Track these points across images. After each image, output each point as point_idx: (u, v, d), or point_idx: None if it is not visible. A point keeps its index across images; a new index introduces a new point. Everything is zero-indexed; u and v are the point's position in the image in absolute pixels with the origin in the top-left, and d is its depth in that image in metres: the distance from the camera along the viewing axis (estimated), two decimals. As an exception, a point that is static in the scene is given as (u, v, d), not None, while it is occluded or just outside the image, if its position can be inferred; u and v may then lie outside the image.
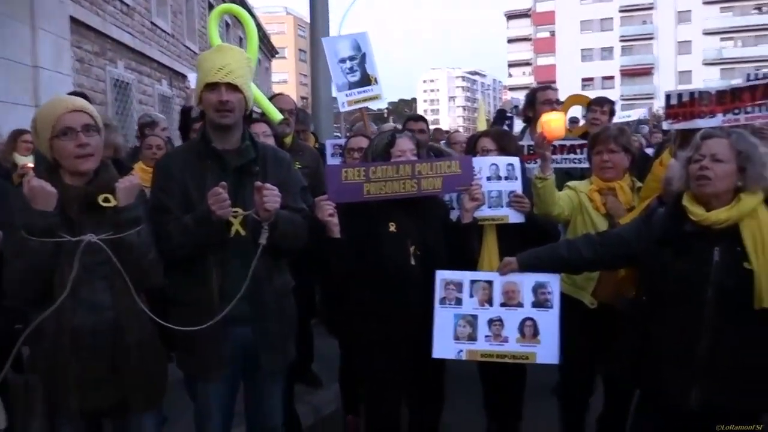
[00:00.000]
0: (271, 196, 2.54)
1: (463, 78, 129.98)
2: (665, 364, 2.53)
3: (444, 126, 57.85)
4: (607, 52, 63.63)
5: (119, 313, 2.45)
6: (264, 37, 35.89)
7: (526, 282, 2.88)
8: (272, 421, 2.93)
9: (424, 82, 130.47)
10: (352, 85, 4.60)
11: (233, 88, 2.63)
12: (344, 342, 4.23)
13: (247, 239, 2.65)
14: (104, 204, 2.42)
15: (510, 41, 75.76)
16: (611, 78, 62.23)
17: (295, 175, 2.96)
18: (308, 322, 4.98)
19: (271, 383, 2.87)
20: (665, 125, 3.59)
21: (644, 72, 62.02)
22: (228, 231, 2.63)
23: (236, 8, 4.31)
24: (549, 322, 2.86)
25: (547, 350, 2.85)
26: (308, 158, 4.49)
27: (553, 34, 66.05)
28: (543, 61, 66.45)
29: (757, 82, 3.24)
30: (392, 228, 3.03)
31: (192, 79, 5.73)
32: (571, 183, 3.49)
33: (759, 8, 59.72)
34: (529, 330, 2.86)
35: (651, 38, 62.38)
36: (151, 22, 14.85)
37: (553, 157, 3.70)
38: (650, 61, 61.94)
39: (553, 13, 65.47)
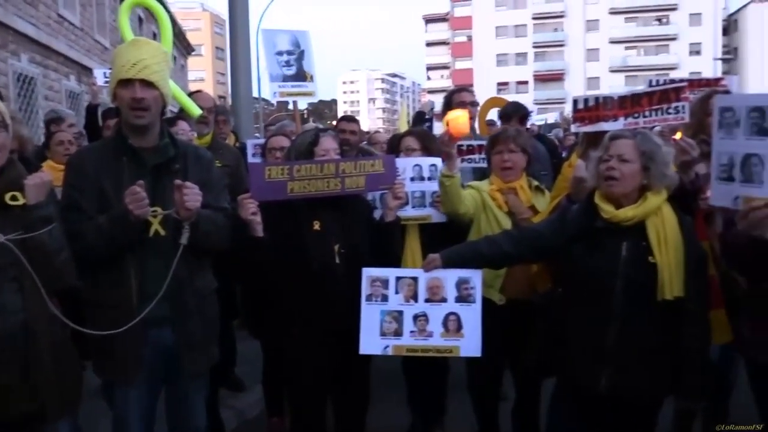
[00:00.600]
0: (192, 195, 2.49)
1: (383, 80, 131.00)
2: (578, 352, 2.67)
3: (364, 128, 57.89)
4: (521, 58, 65.82)
5: (30, 316, 2.32)
6: (180, 34, 34.86)
7: (449, 278, 2.94)
8: (195, 425, 2.86)
9: (344, 83, 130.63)
10: (286, 78, 4.58)
11: (148, 84, 2.54)
12: (268, 343, 4.19)
13: (167, 239, 2.57)
14: (11, 203, 2.29)
15: (428, 45, 77.04)
16: (525, 83, 64.46)
17: (217, 173, 2.89)
18: (230, 324, 4.90)
19: (194, 386, 2.80)
20: (573, 128, 3.75)
21: (556, 77, 64.60)
22: (147, 231, 2.55)
23: (148, 0, 4.16)
24: (472, 316, 2.92)
25: (470, 344, 2.92)
26: (228, 157, 4.41)
27: (470, 38, 67.66)
28: (460, 64, 67.93)
29: (654, 89, 3.46)
30: (316, 227, 3.03)
31: (98, 74, 5.51)
32: (472, 183, 3.59)
33: (659, 20, 63.49)
34: (452, 324, 2.93)
35: (562, 45, 65.08)
36: (58, 14, 14.11)
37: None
38: (561, 66, 64.58)
39: (470, 18, 67.09)
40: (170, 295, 2.53)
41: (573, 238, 2.70)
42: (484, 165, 4.06)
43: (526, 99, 35.88)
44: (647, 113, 3.40)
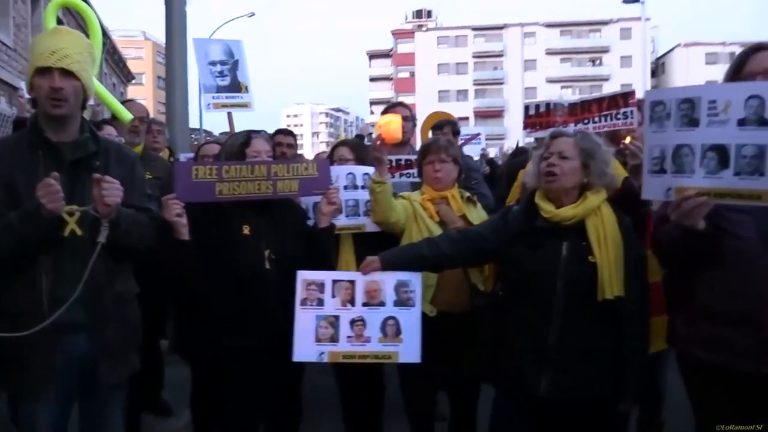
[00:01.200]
0: (112, 190, 2.32)
1: (327, 114, 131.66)
2: (519, 354, 2.61)
3: (307, 160, 57.77)
4: (462, 95, 67.42)
5: None
6: (120, 61, 34.24)
7: (388, 281, 2.85)
8: None
9: (288, 116, 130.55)
10: (220, 89, 4.45)
11: (68, 74, 2.39)
12: (197, 362, 4.00)
13: (84, 239, 2.39)
14: None
15: (372, 80, 78.03)
16: (466, 118, 65.76)
17: (141, 175, 2.74)
18: (157, 344, 4.68)
19: (111, 400, 2.59)
20: (524, 134, 3.80)
21: (496, 114, 66.35)
22: (62, 230, 2.37)
23: (75, 1, 3.99)
24: (411, 320, 2.83)
25: (409, 349, 2.82)
26: (160, 169, 4.25)
27: (412, 74, 68.97)
28: (403, 100, 68.89)
29: (603, 95, 3.54)
30: (246, 231, 2.90)
31: (24, 87, 5.26)
32: (404, 193, 3.53)
33: (593, 61, 66.43)
34: (391, 329, 2.83)
35: (501, 83, 67.09)
36: (-10, 35, 13.64)
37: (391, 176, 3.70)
38: (501, 104, 66.45)
39: (413, 54, 68.50)
40: (86, 299, 2.34)
41: (514, 239, 2.67)
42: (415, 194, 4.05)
43: (467, 133, 36.58)
44: (596, 119, 3.47)
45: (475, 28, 68.67)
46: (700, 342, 2.37)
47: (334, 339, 2.81)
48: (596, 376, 2.55)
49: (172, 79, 5.47)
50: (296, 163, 3.03)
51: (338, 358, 2.83)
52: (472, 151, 8.40)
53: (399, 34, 71.24)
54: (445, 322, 3.13)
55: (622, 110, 3.42)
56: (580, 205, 2.60)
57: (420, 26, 72.16)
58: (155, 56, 60.83)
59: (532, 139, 3.69)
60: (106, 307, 2.48)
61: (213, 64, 4.46)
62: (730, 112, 2.12)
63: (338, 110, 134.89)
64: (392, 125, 3.15)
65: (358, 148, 3.88)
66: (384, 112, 4.81)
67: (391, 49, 73.07)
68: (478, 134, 9.19)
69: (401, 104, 4.91)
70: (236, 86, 4.52)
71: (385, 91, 74.55)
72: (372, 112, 78.56)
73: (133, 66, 41.36)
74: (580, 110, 3.52)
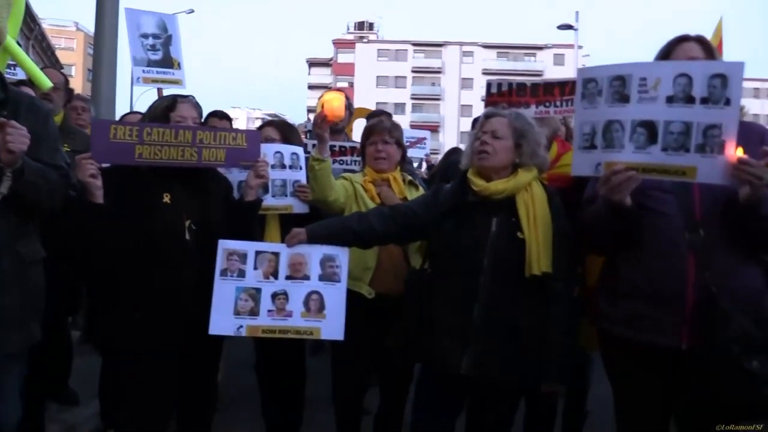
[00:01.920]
0: (18, 136, 2.14)
1: (263, 119, 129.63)
2: (443, 331, 2.57)
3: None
4: (399, 108, 67.93)
5: None
6: (48, 49, 32.77)
7: (314, 254, 2.74)
8: (5, 418, 2.43)
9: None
10: (151, 63, 4.23)
11: None
12: (106, 345, 3.78)
13: None
14: None
15: (311, 87, 77.65)
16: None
17: (54, 131, 2.55)
18: (66, 328, 4.41)
19: (6, 371, 2.38)
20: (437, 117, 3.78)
21: (432, 128, 66.89)
22: None
23: None
24: (336, 296, 2.73)
25: (332, 325, 2.72)
26: (80, 143, 4.00)
27: (351, 85, 69.08)
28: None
29: (567, 79, 3.54)
30: (166, 199, 2.74)
31: None
32: (345, 174, 3.47)
33: (527, 83, 68.48)
34: (314, 304, 2.72)
35: (439, 99, 68.18)
36: None
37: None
38: (437, 119, 67.42)
39: (353, 65, 68.74)
40: None
41: (444, 215, 2.64)
42: (357, 168, 3.98)
43: (403, 145, 36.83)
44: (558, 103, 3.47)
45: (415, 44, 69.65)
46: (622, 319, 2.38)
47: (254, 312, 2.68)
48: (520, 356, 2.53)
49: (99, 56, 5.18)
50: (224, 132, 2.88)
51: (257, 333, 2.70)
52: (416, 154, 8.42)
53: (340, 44, 71.37)
54: (384, 304, 3.06)
55: None
56: (510, 180, 2.60)
57: (361, 38, 72.54)
58: (86, 48, 58.67)
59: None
60: (5, 268, 2.29)
61: (145, 36, 4.25)
62: (660, 89, 2.16)
63: (275, 116, 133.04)
64: (335, 102, 3.09)
65: (286, 128, 3.79)
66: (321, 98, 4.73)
67: (331, 59, 73.07)
68: (424, 138, 9.18)
69: (340, 90, 4.83)
70: (168, 62, 4.32)
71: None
72: (309, 119, 78.18)
73: (63, 56, 39.76)
74: (543, 92, 3.52)
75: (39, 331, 2.47)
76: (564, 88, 3.49)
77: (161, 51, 4.29)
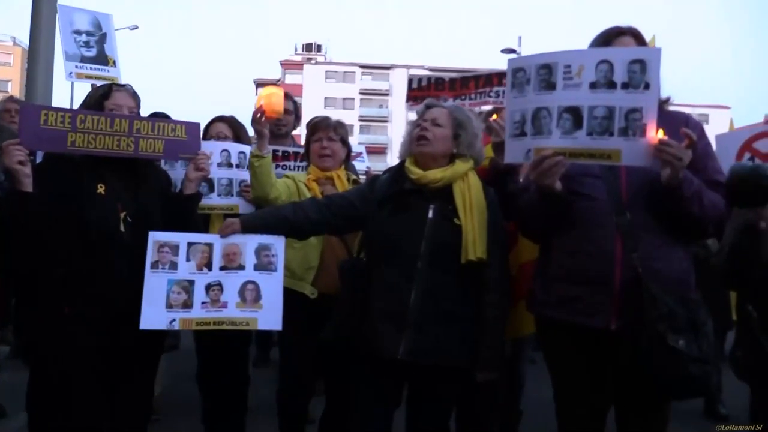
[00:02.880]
0: None
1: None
2: (380, 317, 2.56)
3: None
4: (348, 129, 68.42)
5: None
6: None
7: (249, 244, 2.68)
8: None
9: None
10: (85, 59, 4.12)
11: None
12: (34, 350, 3.59)
13: None
14: None
15: (258, 108, 77.33)
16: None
17: None
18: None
19: None
20: (406, 107, 3.88)
21: (379, 150, 67.62)
22: None
23: None
24: (272, 285, 2.68)
25: (269, 315, 2.66)
26: (7, 139, 3.85)
27: (299, 106, 69.13)
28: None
29: (480, 73, 3.67)
30: (100, 190, 2.65)
31: None
32: (288, 172, 3.45)
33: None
34: (250, 294, 2.66)
35: (386, 121, 68.75)
36: None
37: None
38: (385, 141, 67.86)
39: (301, 86, 68.75)
40: None
41: (380, 204, 2.64)
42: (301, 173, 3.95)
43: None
44: (473, 96, 3.58)
45: (363, 66, 70.26)
46: (554, 303, 2.43)
47: (187, 305, 2.60)
48: (456, 341, 2.54)
49: (35, 53, 5.00)
50: (163, 122, 2.81)
51: (191, 325, 2.62)
52: (359, 167, 8.47)
53: (288, 65, 71.39)
54: (328, 304, 3.00)
55: (495, 89, 3.56)
56: (448, 169, 2.63)
57: (309, 59, 72.77)
58: (23, 63, 56.97)
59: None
60: None
61: (78, 33, 4.15)
62: (583, 75, 2.23)
63: (256, 101, 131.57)
64: (273, 97, 3.05)
65: (236, 125, 3.73)
66: None
67: (279, 80, 72.91)
68: (360, 153, 9.34)
69: (285, 95, 4.79)
70: (103, 59, 4.23)
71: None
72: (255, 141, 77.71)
73: None
74: (460, 86, 3.64)
75: None
76: (478, 81, 3.64)
77: (95, 48, 4.21)
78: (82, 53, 4.10)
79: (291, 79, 70.45)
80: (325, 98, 68.44)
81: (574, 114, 2.24)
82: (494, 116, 3.02)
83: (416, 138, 2.65)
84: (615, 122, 2.19)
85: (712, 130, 2.91)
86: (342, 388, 3.28)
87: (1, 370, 4.38)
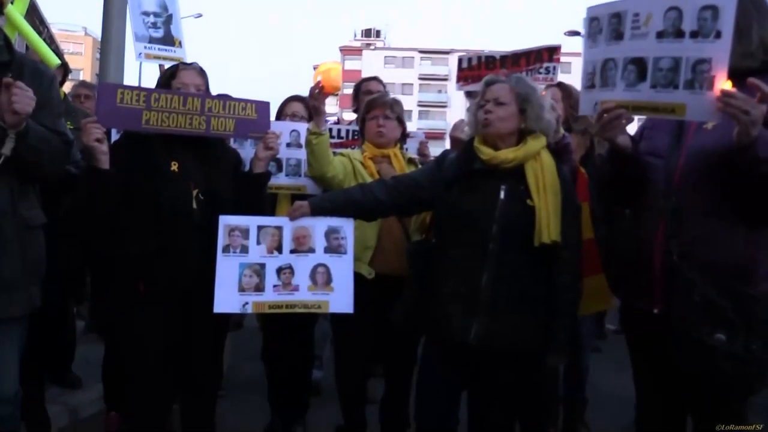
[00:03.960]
0: (23, 97, 2.10)
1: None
2: (449, 300, 2.51)
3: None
4: (406, 115, 67.86)
5: None
6: (57, 53, 32.90)
7: (318, 227, 2.68)
8: (4, 387, 2.32)
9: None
10: (153, 40, 4.20)
11: None
12: (110, 326, 3.72)
13: None
14: None
15: (318, 94, 77.99)
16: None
17: (58, 96, 2.51)
18: (70, 311, 4.37)
19: (7, 335, 2.31)
20: (456, 87, 3.75)
21: (438, 136, 67.12)
22: None
23: None
24: (343, 268, 2.68)
25: (340, 298, 2.66)
26: (81, 120, 3.97)
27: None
28: (348, 116, 68.44)
29: (531, 49, 3.53)
30: (174, 168, 2.70)
31: None
32: (343, 150, 3.41)
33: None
34: (321, 277, 2.66)
35: (445, 106, 68.17)
36: None
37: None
38: (443, 126, 67.32)
39: (360, 72, 68.80)
40: None
41: (450, 184, 2.58)
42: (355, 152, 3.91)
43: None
44: (525, 73, 3.45)
45: (422, 51, 69.77)
46: (614, 284, 2.41)
47: (259, 288, 2.62)
48: (528, 325, 2.48)
49: (107, 40, 5.12)
50: (234, 101, 2.83)
51: (264, 309, 2.64)
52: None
53: (347, 51, 71.57)
54: (385, 284, 2.99)
55: (545, 65, 3.43)
56: (521, 149, 2.54)
57: (368, 45, 72.77)
58: (95, 53, 59.06)
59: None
60: (5, 231, 2.24)
61: (146, 14, 4.21)
62: (651, 24, 2.10)
63: (314, 76, 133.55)
64: (332, 72, 3.02)
65: None
66: (357, 85, 4.61)
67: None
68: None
69: (375, 78, 4.74)
70: (170, 40, 4.28)
71: (330, 106, 74.11)
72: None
73: (71, 61, 39.89)
74: (510, 64, 3.51)
75: (39, 297, 2.41)
76: (530, 57, 3.50)
77: (162, 29, 4.25)
78: (150, 34, 4.16)
79: (350, 65, 70.63)
80: (385, 84, 68.50)
81: (639, 65, 2.12)
82: (542, 92, 2.91)
83: (482, 122, 2.56)
84: (681, 74, 2.05)
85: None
86: (402, 370, 3.26)
87: (77, 343, 4.52)
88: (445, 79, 68.31)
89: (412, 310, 2.68)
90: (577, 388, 3.67)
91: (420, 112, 68.21)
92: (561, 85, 3.85)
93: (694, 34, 2.02)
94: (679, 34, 2.05)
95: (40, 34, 3.68)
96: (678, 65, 2.05)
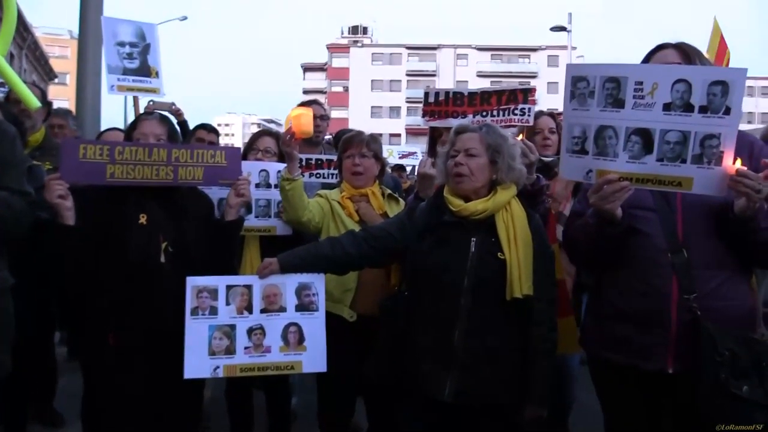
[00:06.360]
0: None
1: (259, 125, 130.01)
2: (423, 355, 2.47)
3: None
4: (394, 111, 68.05)
5: None
6: (42, 58, 32.66)
7: (288, 284, 2.63)
8: None
9: (219, 125, 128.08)
10: (127, 71, 4.14)
11: None
12: (87, 367, 3.67)
13: None
14: None
15: (306, 92, 77.53)
16: (398, 135, 66.49)
17: (21, 154, 2.48)
18: (50, 347, 4.31)
19: None
20: (422, 122, 3.64)
21: (426, 132, 67.15)
22: None
23: None
24: (314, 326, 2.63)
25: (313, 357, 2.62)
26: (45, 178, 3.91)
27: (346, 89, 69.12)
28: (336, 113, 68.86)
29: (504, 88, 3.44)
30: (142, 220, 2.65)
31: None
32: (320, 191, 3.36)
33: (521, 84, 68.55)
34: (293, 336, 2.61)
35: (433, 102, 68.10)
36: None
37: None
38: (432, 122, 67.43)
39: (347, 69, 68.72)
40: None
41: (420, 235, 2.54)
42: (334, 181, 3.87)
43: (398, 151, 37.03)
44: (495, 112, 3.37)
45: (409, 47, 69.61)
46: (608, 343, 2.31)
47: (230, 351, 2.57)
48: (504, 379, 2.44)
49: (83, 75, 5.06)
50: (201, 149, 2.79)
51: (235, 372, 2.58)
52: (410, 162, 8.87)
53: (334, 49, 71.37)
54: (367, 327, 2.94)
55: (521, 106, 3.34)
56: (490, 200, 2.50)
57: (355, 42, 72.56)
58: (80, 56, 58.40)
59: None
60: None
61: (122, 45, 4.16)
62: (657, 95, 2.05)
63: (270, 121, 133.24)
64: (303, 118, 2.96)
65: None
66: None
67: (326, 63, 73.07)
68: (415, 152, 9.72)
69: (315, 101, 4.72)
70: (146, 70, 4.23)
71: (318, 104, 74.24)
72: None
73: (56, 65, 39.68)
74: (480, 101, 3.42)
75: (9, 362, 2.37)
76: (501, 97, 3.40)
77: (138, 59, 4.20)
78: (125, 65, 4.11)
79: (338, 62, 70.50)
80: (372, 81, 68.28)
81: (644, 137, 2.07)
82: (520, 137, 2.86)
83: (453, 175, 2.52)
84: (689, 148, 2.03)
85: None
86: (383, 408, 3.22)
87: (60, 374, 4.46)
88: (433, 75, 68.22)
89: (383, 367, 2.64)
90: (559, 418, 3.65)
91: (408, 109, 68.13)
92: (554, 116, 3.80)
93: (703, 109, 2.00)
94: (688, 107, 2.01)
95: (24, 40, 3.63)
96: (686, 139, 2.03)
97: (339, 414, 3.23)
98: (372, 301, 2.98)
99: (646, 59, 2.36)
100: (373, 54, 69.85)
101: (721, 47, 5.15)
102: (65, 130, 4.74)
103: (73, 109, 5.80)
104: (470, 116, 3.38)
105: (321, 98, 73.83)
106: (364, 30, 76.04)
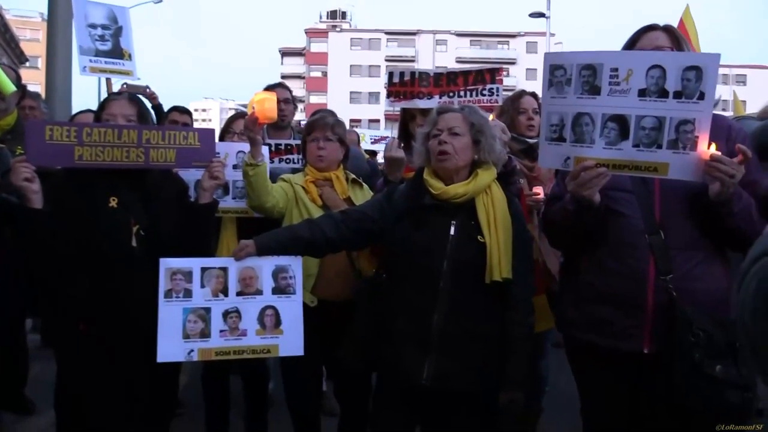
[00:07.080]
0: None
1: (236, 110, 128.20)
2: (401, 339, 2.45)
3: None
4: (373, 97, 67.70)
5: None
6: (12, 41, 31.96)
7: (265, 266, 2.58)
8: None
9: (196, 110, 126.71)
10: (99, 53, 4.04)
11: None
12: (59, 354, 3.61)
13: None
14: None
15: (284, 77, 76.82)
16: (377, 121, 66.20)
17: None
18: (21, 335, 4.24)
19: None
20: (386, 103, 3.57)
21: (405, 117, 67.25)
22: None
23: None
24: (292, 309, 2.59)
25: (290, 341, 2.58)
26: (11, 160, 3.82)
27: (325, 74, 68.68)
28: (315, 99, 68.49)
29: (470, 68, 3.39)
30: (113, 203, 2.58)
31: None
32: (284, 175, 3.30)
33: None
34: (270, 320, 2.57)
35: (413, 87, 67.97)
36: None
37: (271, 161, 3.43)
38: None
39: (326, 54, 68.24)
40: None
41: (399, 218, 2.50)
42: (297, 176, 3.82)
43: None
44: (462, 93, 3.31)
45: (388, 33, 69.31)
46: (584, 324, 2.31)
47: (204, 334, 2.50)
48: (482, 363, 2.43)
49: (53, 59, 4.94)
50: (174, 130, 2.71)
51: (210, 356, 2.53)
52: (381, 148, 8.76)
53: (312, 34, 70.76)
54: (328, 312, 2.92)
55: (488, 86, 3.29)
56: (471, 183, 2.48)
57: (334, 27, 71.99)
58: (52, 39, 57.27)
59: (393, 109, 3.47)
60: None
61: (93, 27, 4.06)
62: (632, 81, 2.06)
63: (248, 106, 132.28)
64: (266, 103, 2.89)
65: None
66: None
67: (304, 48, 72.44)
68: (387, 136, 9.57)
69: (281, 85, 4.63)
70: (118, 53, 4.15)
71: (297, 89, 73.65)
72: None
73: (27, 48, 38.88)
74: (446, 82, 3.36)
75: None
76: (468, 77, 3.34)
77: (110, 42, 4.11)
78: (97, 47, 4.02)
79: (316, 47, 69.94)
80: (351, 66, 67.88)
81: (620, 123, 2.09)
82: (491, 116, 2.83)
83: (436, 152, 2.48)
84: (664, 134, 2.04)
85: (751, 91, 2.72)
86: (354, 395, 3.20)
87: (33, 361, 4.39)
88: (413, 60, 67.97)
89: (361, 351, 2.61)
90: (532, 396, 3.66)
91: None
92: (536, 96, 3.77)
93: (677, 95, 2.02)
94: (663, 93, 2.03)
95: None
96: (661, 125, 2.05)
97: (306, 399, 3.19)
98: (334, 286, 2.98)
99: (633, 40, 2.35)
100: (351, 39, 69.43)
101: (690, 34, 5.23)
102: (36, 112, 4.63)
103: (43, 93, 5.68)
104: (436, 97, 3.32)
105: (299, 83, 73.48)
106: (343, 15, 75.46)
